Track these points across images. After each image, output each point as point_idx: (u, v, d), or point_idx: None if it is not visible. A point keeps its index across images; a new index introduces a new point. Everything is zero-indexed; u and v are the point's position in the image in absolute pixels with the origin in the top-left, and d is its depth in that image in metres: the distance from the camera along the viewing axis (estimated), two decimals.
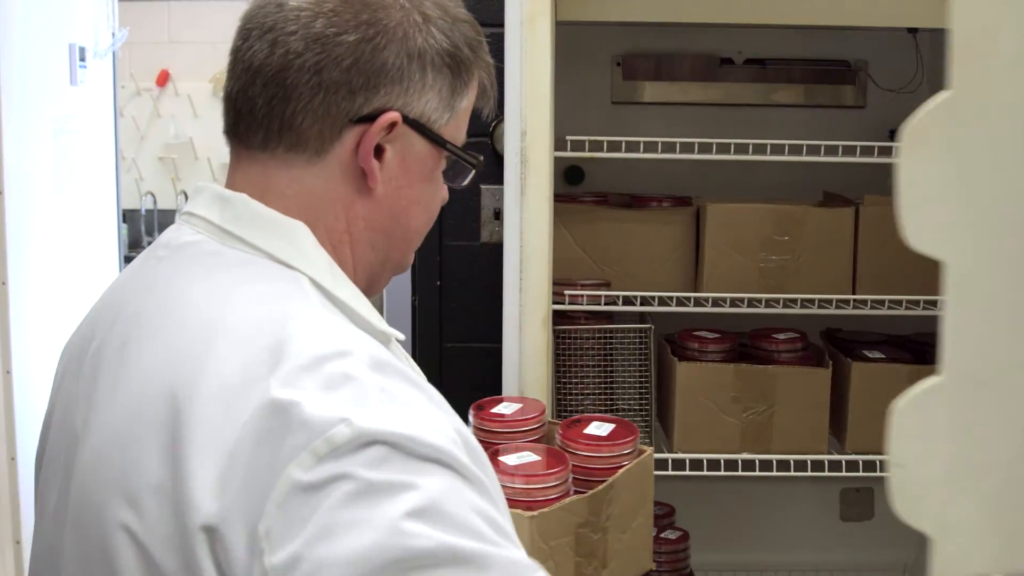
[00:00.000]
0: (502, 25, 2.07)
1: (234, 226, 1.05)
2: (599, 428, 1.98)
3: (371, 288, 1.14)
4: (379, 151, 1.06)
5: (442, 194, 1.16)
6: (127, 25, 3.50)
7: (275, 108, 1.04)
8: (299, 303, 0.99)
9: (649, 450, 1.98)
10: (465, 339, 2.62)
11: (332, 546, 0.82)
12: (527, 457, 1.87)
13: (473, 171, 1.16)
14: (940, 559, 0.79)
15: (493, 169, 2.53)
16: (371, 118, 1.05)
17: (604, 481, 1.87)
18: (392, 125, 1.05)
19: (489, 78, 1.15)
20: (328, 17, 1.04)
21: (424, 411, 0.92)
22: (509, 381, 2.14)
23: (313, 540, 0.82)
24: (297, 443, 0.85)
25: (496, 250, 2.21)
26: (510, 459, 1.86)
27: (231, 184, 1.09)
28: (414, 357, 2.59)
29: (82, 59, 3.20)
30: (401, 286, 5.33)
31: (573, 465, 1.89)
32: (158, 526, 0.90)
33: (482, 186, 2.59)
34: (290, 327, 0.94)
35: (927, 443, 0.78)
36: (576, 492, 1.85)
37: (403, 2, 1.06)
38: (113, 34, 3.42)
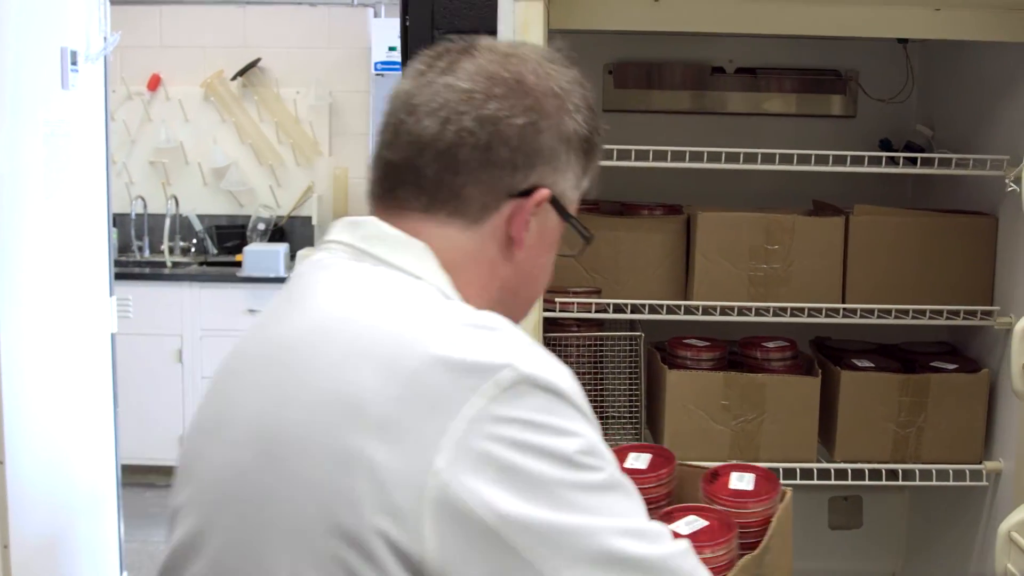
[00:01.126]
0: (494, 32, 2.07)
1: (364, 244, 1.16)
2: (742, 481, 1.87)
3: None
4: (526, 223, 1.19)
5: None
6: (119, 29, 3.50)
7: (444, 178, 1.16)
8: (435, 295, 1.12)
9: (789, 492, 1.86)
10: None
11: (521, 475, 0.96)
12: (696, 523, 1.76)
13: (586, 245, 1.27)
14: None
15: None
16: (527, 193, 1.18)
17: (757, 533, 1.77)
18: (541, 201, 1.18)
19: (600, 155, 1.28)
20: (499, 101, 1.16)
21: (559, 365, 1.04)
22: None
23: (504, 472, 0.96)
24: (468, 385, 0.98)
25: None
26: (679, 526, 1.74)
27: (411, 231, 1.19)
28: None
29: (74, 63, 3.20)
30: None
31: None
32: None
33: None
34: (435, 306, 1.09)
35: None
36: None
37: (557, 91, 1.20)
38: (105, 38, 3.42)
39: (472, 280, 1.18)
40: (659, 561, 1.00)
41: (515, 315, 1.21)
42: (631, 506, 1.02)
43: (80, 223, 3.35)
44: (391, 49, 5.49)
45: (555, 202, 1.20)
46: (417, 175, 1.17)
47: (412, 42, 2.52)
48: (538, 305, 2.13)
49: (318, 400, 1.03)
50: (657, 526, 1.03)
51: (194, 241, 6.14)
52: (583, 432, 1.01)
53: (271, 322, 1.17)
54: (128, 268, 5.77)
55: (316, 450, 1.01)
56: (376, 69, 5.61)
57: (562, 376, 1.02)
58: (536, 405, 0.99)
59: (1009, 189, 2.30)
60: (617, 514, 0.99)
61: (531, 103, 1.17)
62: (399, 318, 1.06)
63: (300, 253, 1.25)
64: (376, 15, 6.01)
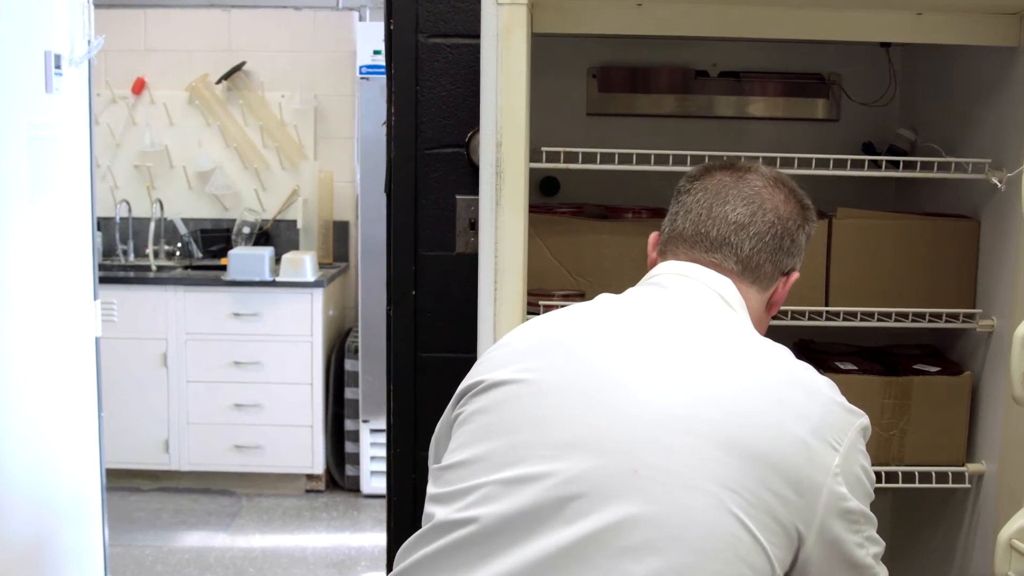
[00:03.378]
0: (478, 36, 2.07)
1: (721, 290, 1.69)
2: None
3: None
4: None
5: None
6: (103, 33, 3.49)
7: (755, 255, 1.72)
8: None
9: None
10: (440, 349, 2.62)
11: (864, 484, 1.55)
12: None
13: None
14: None
15: (468, 180, 2.53)
16: (788, 271, 1.77)
17: None
18: (795, 279, 1.79)
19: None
20: (786, 205, 1.75)
21: None
22: None
23: (858, 480, 1.53)
24: (850, 421, 1.54)
25: (471, 261, 2.21)
26: None
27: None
28: (388, 367, 2.58)
29: (57, 66, 3.19)
30: (376, 296, 5.32)
31: None
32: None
33: (457, 196, 2.59)
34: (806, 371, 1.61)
35: None
36: None
37: (808, 203, 1.80)
38: (89, 41, 3.41)
39: (754, 326, 1.71)
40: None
41: None
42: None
43: (64, 227, 3.34)
44: (376, 53, 5.49)
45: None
46: (732, 248, 1.72)
47: (397, 46, 2.52)
48: (522, 308, 2.14)
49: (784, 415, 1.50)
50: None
51: (179, 245, 6.13)
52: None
53: (641, 311, 1.67)
54: (113, 272, 5.76)
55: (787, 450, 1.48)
56: (361, 73, 5.61)
57: None
58: (866, 446, 1.57)
59: (1001, 188, 2.31)
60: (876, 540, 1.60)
61: (801, 209, 1.77)
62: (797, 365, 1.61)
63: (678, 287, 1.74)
64: (361, 19, 6.01)
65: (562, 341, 1.61)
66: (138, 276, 5.76)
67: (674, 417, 1.46)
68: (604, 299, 1.72)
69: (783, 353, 1.60)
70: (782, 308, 2.41)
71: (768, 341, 1.62)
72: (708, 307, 1.65)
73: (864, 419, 1.55)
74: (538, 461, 1.47)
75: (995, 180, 2.32)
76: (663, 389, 1.50)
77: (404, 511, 2.66)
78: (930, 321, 2.43)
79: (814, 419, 1.49)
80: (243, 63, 6.09)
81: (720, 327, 1.62)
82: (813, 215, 1.80)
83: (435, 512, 1.54)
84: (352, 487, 5.81)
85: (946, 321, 2.44)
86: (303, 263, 5.63)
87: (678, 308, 1.65)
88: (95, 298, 3.58)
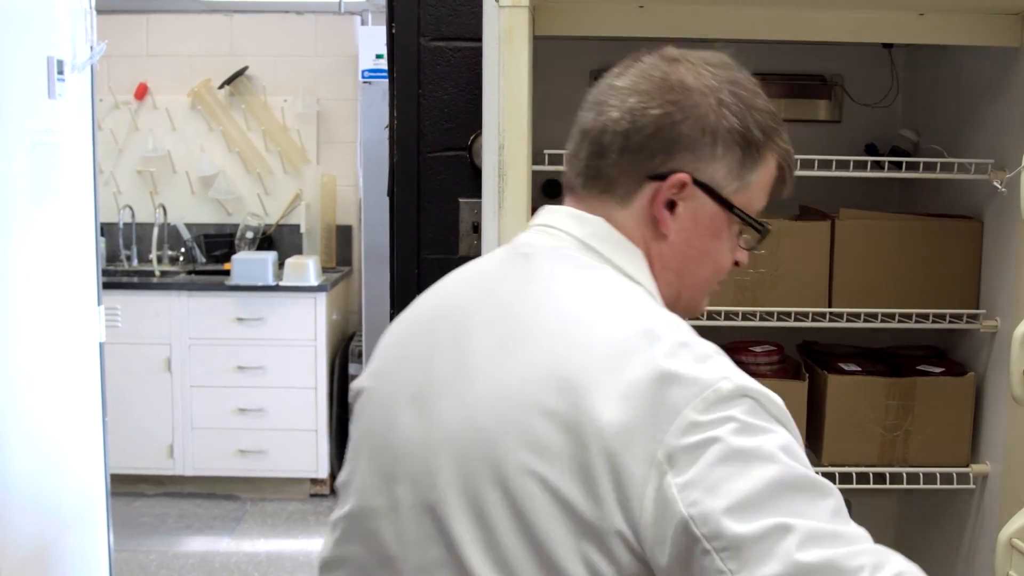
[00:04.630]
0: (480, 39, 2.08)
1: (592, 240, 1.34)
2: None
3: None
4: (673, 205, 1.33)
5: (738, 256, 1.41)
6: (106, 38, 3.50)
7: (592, 160, 1.35)
8: (651, 302, 1.30)
9: None
10: None
11: (728, 468, 1.08)
12: None
13: (760, 236, 1.39)
14: None
15: (471, 183, 2.53)
16: (664, 176, 1.31)
17: None
18: (683, 185, 1.31)
19: (787, 161, 1.40)
20: (640, 96, 1.32)
21: (761, 385, 1.18)
22: None
23: (714, 463, 1.08)
24: (690, 393, 1.12)
25: None
26: None
27: (579, 208, 1.38)
28: None
29: (60, 72, 3.20)
30: (380, 300, 5.32)
31: None
32: (564, 464, 1.13)
33: (460, 200, 2.59)
34: (654, 316, 1.24)
35: None
36: None
37: (704, 89, 1.32)
38: (92, 47, 3.41)
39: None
40: (842, 559, 1.07)
41: (684, 298, 1.39)
42: (824, 506, 1.10)
43: (68, 232, 3.35)
44: (378, 57, 5.49)
45: (706, 188, 1.33)
46: (577, 157, 1.38)
47: (399, 50, 2.52)
48: None
49: (556, 379, 1.17)
50: (854, 529, 1.12)
51: (182, 250, 6.13)
52: (784, 435, 1.14)
53: (510, 295, 1.32)
54: (116, 277, 5.76)
55: (557, 430, 1.15)
56: (363, 77, 5.61)
57: (769, 392, 1.17)
58: (745, 409, 1.13)
59: (1002, 190, 2.31)
60: (807, 516, 1.08)
61: (672, 98, 1.31)
62: (628, 330, 1.20)
63: (524, 238, 1.40)
64: (363, 23, 6.02)
65: (409, 336, 1.41)
66: (141, 281, 5.76)
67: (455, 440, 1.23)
68: (468, 275, 1.43)
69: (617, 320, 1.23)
70: (785, 310, 2.42)
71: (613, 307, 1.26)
72: (559, 284, 1.29)
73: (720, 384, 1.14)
74: (358, 497, 1.36)
75: (996, 183, 2.32)
76: (461, 406, 1.25)
77: None
78: (933, 322, 2.43)
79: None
80: (245, 68, 6.10)
81: (561, 314, 1.25)
82: (716, 97, 1.33)
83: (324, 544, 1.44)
84: None
85: (949, 322, 2.44)
86: (306, 267, 5.64)
87: (525, 295, 1.30)
88: (99, 303, 3.58)
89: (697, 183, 1.31)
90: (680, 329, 1.22)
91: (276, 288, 5.60)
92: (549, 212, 1.40)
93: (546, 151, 2.28)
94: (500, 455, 1.17)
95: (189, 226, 6.18)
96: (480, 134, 2.27)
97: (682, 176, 1.31)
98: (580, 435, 1.13)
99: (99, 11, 3.47)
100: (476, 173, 2.45)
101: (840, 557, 1.06)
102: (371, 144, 5.51)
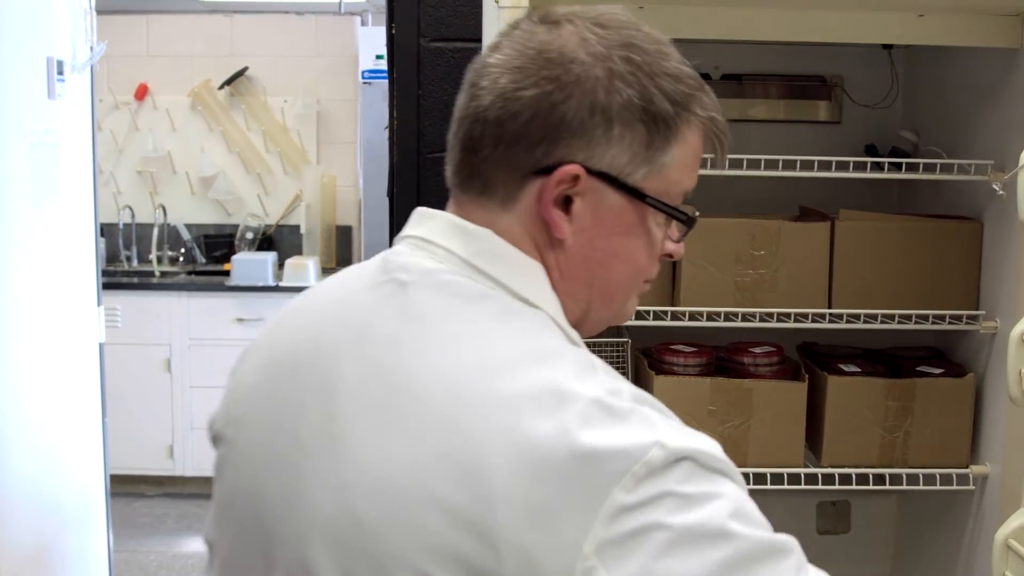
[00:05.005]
0: (480, 40, 2.08)
1: (480, 260, 1.08)
2: None
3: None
4: (569, 203, 1.08)
5: (670, 249, 1.17)
6: (105, 38, 3.50)
7: (465, 156, 1.10)
8: (555, 339, 1.06)
9: None
10: None
11: (674, 558, 0.90)
12: None
13: (686, 226, 1.16)
14: None
15: None
16: (550, 170, 1.07)
17: None
18: (576, 178, 1.07)
19: (713, 130, 1.16)
20: (512, 74, 1.07)
21: (693, 432, 1.00)
22: None
23: (657, 554, 0.89)
24: (616, 469, 0.91)
25: None
26: None
27: (461, 215, 1.12)
28: None
29: (60, 72, 3.20)
30: None
31: None
32: (470, 572, 0.92)
33: None
34: (561, 365, 0.99)
35: None
36: None
37: (587, 58, 1.07)
38: (91, 47, 3.42)
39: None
40: None
41: (596, 309, 1.15)
42: (787, 567, 0.96)
43: (68, 233, 3.35)
44: (378, 57, 5.50)
45: (607, 178, 1.08)
46: (453, 152, 1.14)
47: (398, 50, 2.52)
48: None
49: (449, 459, 0.95)
50: None
51: (182, 250, 6.14)
52: (731, 495, 0.96)
53: (385, 342, 1.05)
54: (116, 278, 5.76)
55: (441, 513, 0.94)
56: (363, 77, 5.62)
57: (705, 442, 0.98)
58: (684, 475, 0.93)
59: (999, 193, 2.31)
60: None
61: (548, 74, 1.06)
62: (534, 398, 0.96)
63: (400, 257, 1.13)
64: (363, 23, 6.02)
65: (271, 376, 1.15)
66: (141, 282, 5.76)
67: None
68: (334, 301, 1.16)
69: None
70: (784, 311, 2.42)
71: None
72: (444, 328, 1.04)
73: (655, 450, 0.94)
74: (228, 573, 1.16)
75: (995, 185, 2.32)
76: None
77: None
78: (933, 323, 2.43)
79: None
80: (245, 68, 6.10)
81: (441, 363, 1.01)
82: (607, 67, 1.08)
83: None
84: None
85: (949, 323, 2.44)
86: (306, 268, 5.64)
87: (403, 344, 1.04)
88: (99, 304, 3.58)
89: (593, 173, 1.07)
90: (592, 377, 1.00)
91: (276, 288, 5.61)
92: (426, 220, 1.14)
93: None
94: (388, 556, 0.95)
95: (189, 226, 6.19)
96: None
97: (571, 168, 1.06)
98: (485, 534, 0.91)
99: (99, 11, 3.47)
100: None
101: None
102: (371, 144, 5.52)
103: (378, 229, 5.42)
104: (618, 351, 2.52)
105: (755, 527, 0.95)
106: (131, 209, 6.09)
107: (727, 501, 0.94)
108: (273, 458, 1.07)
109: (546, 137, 1.06)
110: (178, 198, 6.18)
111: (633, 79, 1.08)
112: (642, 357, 2.55)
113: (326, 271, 5.91)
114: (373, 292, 1.10)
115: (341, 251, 6.23)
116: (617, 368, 2.51)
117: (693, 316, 2.43)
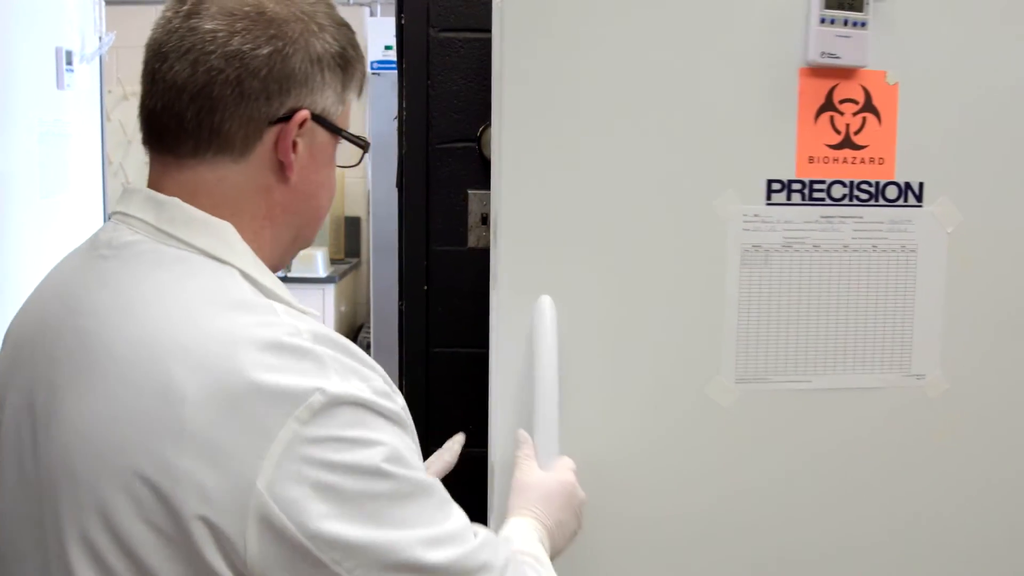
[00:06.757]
0: (489, 30, 2.07)
1: (170, 227, 1.19)
2: None
3: (279, 264, 1.31)
4: (294, 145, 1.23)
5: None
6: (114, 29, 3.50)
7: (204, 119, 1.20)
8: (241, 292, 1.16)
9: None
10: (452, 344, 2.61)
11: (332, 497, 1.04)
12: None
13: (363, 152, 1.36)
14: None
15: (480, 174, 2.53)
16: (286, 118, 1.21)
17: None
18: (303, 122, 1.22)
19: (362, 67, 1.33)
20: (242, 35, 1.18)
21: (365, 373, 1.11)
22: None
23: (319, 493, 1.03)
24: (281, 412, 1.03)
25: (484, 255, 2.21)
26: None
27: (160, 188, 1.23)
28: (401, 362, 2.58)
29: (69, 63, 3.20)
30: (388, 292, 5.32)
31: None
32: (149, 514, 1.05)
33: (469, 191, 2.59)
34: (241, 319, 1.11)
35: None
36: None
37: (300, 15, 1.23)
38: (100, 38, 3.42)
39: (255, 213, 1.24)
40: (456, 562, 1.12)
41: (304, 235, 1.31)
42: (434, 511, 1.12)
43: (76, 223, 3.35)
44: (387, 48, 5.49)
45: (320, 120, 1.25)
46: (180, 120, 1.21)
47: (407, 41, 2.52)
48: None
49: (139, 407, 1.06)
50: (458, 526, 1.14)
51: None
52: (388, 440, 1.09)
53: (86, 313, 1.17)
54: None
55: (134, 455, 1.05)
56: (372, 68, 5.60)
57: (368, 388, 1.10)
58: (344, 421, 1.06)
59: None
60: (420, 523, 1.10)
61: (274, 32, 1.20)
62: (219, 336, 1.08)
63: (105, 233, 1.24)
64: (372, 14, 6.01)
65: (14, 360, 1.26)
66: None
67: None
68: (54, 283, 1.30)
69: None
70: None
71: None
72: (134, 294, 1.15)
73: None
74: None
75: None
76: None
77: None
78: None
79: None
80: None
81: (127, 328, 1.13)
82: (315, 23, 1.25)
83: None
84: None
85: None
86: (315, 259, 5.64)
87: (99, 314, 1.16)
88: None
89: (315, 117, 1.24)
90: (272, 319, 1.12)
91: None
92: (129, 196, 1.24)
93: None
94: (95, 502, 1.07)
95: None
96: (489, 125, 2.26)
97: (303, 113, 1.22)
98: (171, 471, 1.03)
99: (108, 2, 3.47)
100: (485, 164, 2.44)
101: (462, 556, 1.12)
102: (380, 135, 5.50)
103: (387, 220, 5.41)
104: None
105: (408, 469, 1.10)
106: None
107: (384, 447, 1.08)
108: (20, 440, 1.18)
109: (280, 90, 1.20)
110: None
111: (333, 31, 1.27)
112: None
113: (335, 262, 5.91)
114: (82, 268, 1.23)
115: (350, 242, 6.22)
116: None
117: None
